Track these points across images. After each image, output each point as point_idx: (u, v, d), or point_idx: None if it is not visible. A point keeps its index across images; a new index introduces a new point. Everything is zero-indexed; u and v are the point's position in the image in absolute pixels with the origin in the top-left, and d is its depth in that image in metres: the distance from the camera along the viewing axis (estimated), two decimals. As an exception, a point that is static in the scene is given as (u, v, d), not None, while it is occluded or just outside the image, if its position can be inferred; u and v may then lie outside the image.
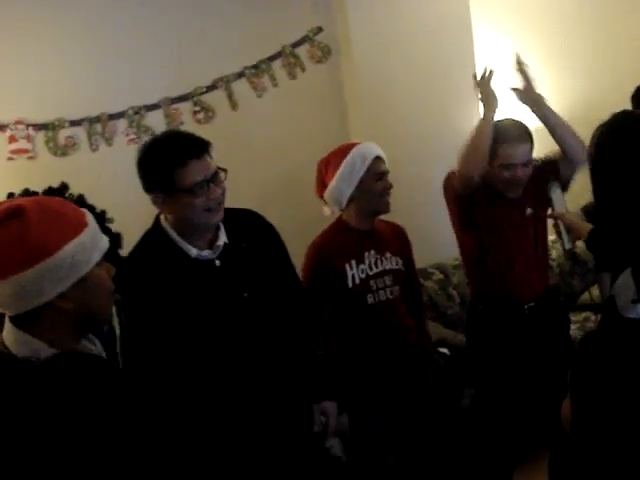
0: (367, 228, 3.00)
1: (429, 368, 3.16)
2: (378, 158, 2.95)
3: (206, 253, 2.33)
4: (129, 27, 4.16)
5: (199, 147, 2.25)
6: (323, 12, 4.46)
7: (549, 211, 2.98)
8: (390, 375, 2.98)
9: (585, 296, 4.24)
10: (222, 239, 2.36)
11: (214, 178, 2.27)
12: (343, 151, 2.98)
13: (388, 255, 3.01)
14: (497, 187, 3.00)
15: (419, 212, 3.42)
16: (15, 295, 1.51)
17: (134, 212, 4.07)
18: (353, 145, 3.03)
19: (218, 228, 2.37)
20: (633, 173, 2.13)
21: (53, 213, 1.54)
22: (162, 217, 2.37)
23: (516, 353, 3.01)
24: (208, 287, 2.32)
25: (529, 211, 3.03)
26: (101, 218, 2.14)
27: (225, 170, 2.32)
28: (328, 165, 3.00)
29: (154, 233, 2.38)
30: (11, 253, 1.49)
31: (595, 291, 3.67)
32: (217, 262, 2.34)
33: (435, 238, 3.82)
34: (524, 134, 2.98)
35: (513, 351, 3.02)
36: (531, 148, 2.97)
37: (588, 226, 2.73)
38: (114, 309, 2.19)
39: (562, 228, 2.85)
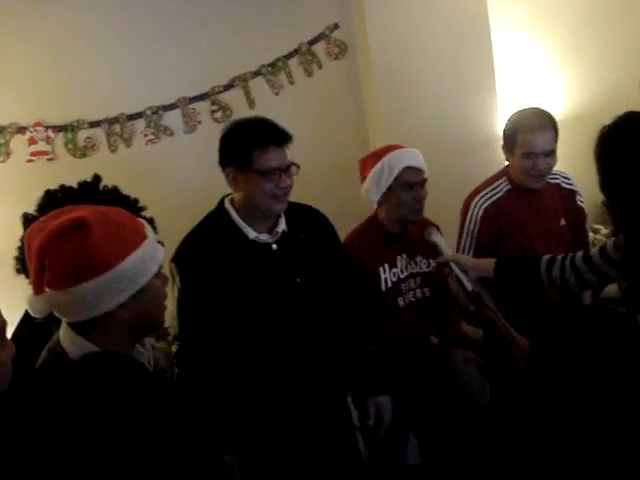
0: (399, 231, 3.01)
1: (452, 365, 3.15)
2: (409, 168, 2.90)
3: (265, 237, 2.45)
4: (146, 28, 4.19)
5: (282, 137, 2.40)
6: (339, 9, 4.45)
7: (433, 261, 2.84)
8: (412, 368, 2.98)
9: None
10: (282, 226, 2.48)
11: (287, 169, 2.41)
12: (378, 155, 2.99)
13: (419, 258, 3.03)
14: (521, 181, 2.97)
15: (439, 208, 3.39)
16: (76, 304, 1.55)
17: (153, 212, 4.12)
18: (389, 151, 2.98)
19: (279, 216, 2.48)
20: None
21: (115, 225, 1.59)
22: (226, 200, 2.49)
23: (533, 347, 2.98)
24: (263, 269, 2.42)
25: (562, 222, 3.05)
26: (134, 206, 2.21)
27: (298, 166, 2.47)
28: (365, 165, 3.04)
29: (216, 214, 2.50)
30: (73, 264, 1.53)
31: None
32: (274, 246, 2.45)
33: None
34: (546, 122, 2.91)
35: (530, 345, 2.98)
36: (554, 137, 2.91)
37: (485, 261, 2.55)
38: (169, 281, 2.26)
39: (458, 271, 2.47)
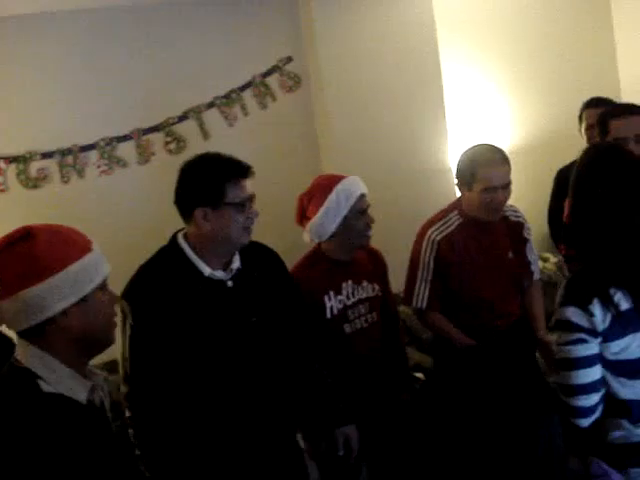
0: (348, 259, 3.02)
1: (405, 390, 3.17)
2: (362, 195, 2.93)
3: (220, 274, 2.41)
4: (100, 59, 4.19)
5: (247, 168, 2.40)
6: (293, 42, 4.52)
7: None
8: (366, 395, 2.99)
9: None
10: (236, 264, 2.45)
11: (252, 199, 2.41)
12: (326, 187, 2.96)
13: (365, 284, 3.03)
14: (477, 214, 3.03)
15: (392, 237, 3.44)
16: (21, 311, 1.61)
17: (106, 242, 4.10)
18: (337, 181, 2.97)
19: (234, 253, 2.46)
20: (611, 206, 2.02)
21: (60, 235, 1.67)
22: (180, 235, 2.45)
23: (483, 374, 3.02)
24: (218, 307, 2.39)
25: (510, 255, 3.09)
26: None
27: (255, 196, 2.44)
28: (311, 199, 3.00)
29: (169, 249, 2.45)
30: (19, 271, 1.61)
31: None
32: (229, 283, 2.42)
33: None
34: (503, 157, 2.98)
35: (480, 372, 3.02)
36: (509, 171, 2.98)
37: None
38: (120, 318, 2.27)
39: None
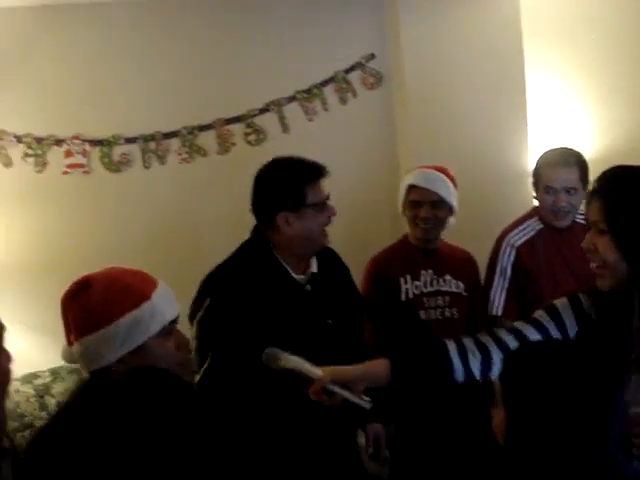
0: (429, 247, 3.07)
1: (486, 402, 3.13)
2: (413, 187, 3.04)
3: (300, 277, 2.45)
4: (187, 47, 4.26)
5: (322, 168, 2.46)
6: (376, 39, 4.50)
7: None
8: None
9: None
10: (314, 267, 2.49)
11: (329, 199, 2.46)
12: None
13: (447, 277, 3.06)
14: (547, 219, 2.98)
15: (467, 239, 3.41)
16: (83, 356, 1.72)
17: (184, 228, 4.18)
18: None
19: (311, 257, 2.49)
20: None
21: (117, 285, 1.73)
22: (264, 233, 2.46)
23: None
24: (298, 309, 2.41)
25: None
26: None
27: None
28: None
29: (256, 246, 2.46)
30: (79, 320, 1.71)
31: None
32: (308, 287, 2.46)
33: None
34: (569, 160, 2.94)
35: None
36: (579, 176, 2.91)
37: (371, 365, 1.99)
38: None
39: (342, 392, 1.91)
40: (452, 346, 1.98)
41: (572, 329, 1.94)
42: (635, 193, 1.77)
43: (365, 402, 1.91)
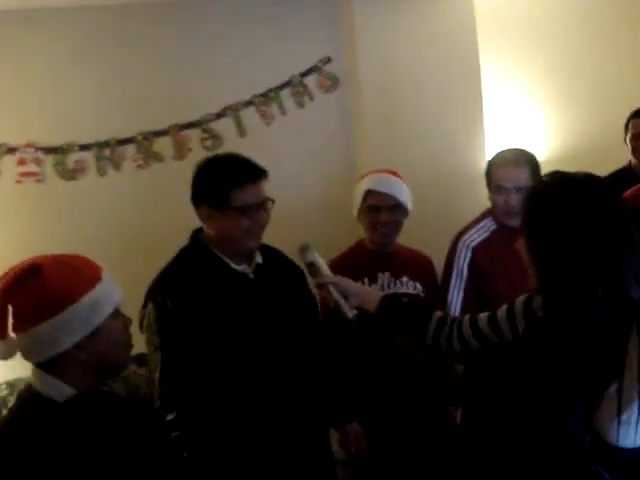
0: (379, 250, 3.08)
1: (451, 402, 3.13)
2: (370, 192, 3.04)
3: (242, 267, 2.44)
4: (140, 54, 4.22)
5: (257, 172, 2.40)
6: (332, 42, 4.50)
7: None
8: (401, 397, 2.98)
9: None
10: (258, 259, 2.48)
11: (263, 204, 2.40)
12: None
13: (405, 279, 3.06)
14: (500, 219, 3.01)
15: (424, 241, 3.43)
16: (35, 345, 1.65)
17: (140, 236, 4.13)
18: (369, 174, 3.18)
19: (254, 251, 2.47)
20: (568, 239, 1.73)
21: (69, 268, 1.69)
22: (200, 235, 2.47)
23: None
24: (242, 298, 2.40)
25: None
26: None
27: (273, 200, 2.44)
28: None
29: (193, 246, 2.48)
30: (30, 308, 1.64)
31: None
32: (251, 275, 2.45)
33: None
34: (520, 159, 2.97)
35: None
36: (530, 175, 2.93)
37: (370, 292, 2.40)
38: (150, 315, 2.31)
39: (337, 295, 2.23)
40: (436, 316, 2.22)
41: (521, 327, 2.00)
42: (542, 204, 1.80)
43: (351, 312, 2.20)
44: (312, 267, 2.31)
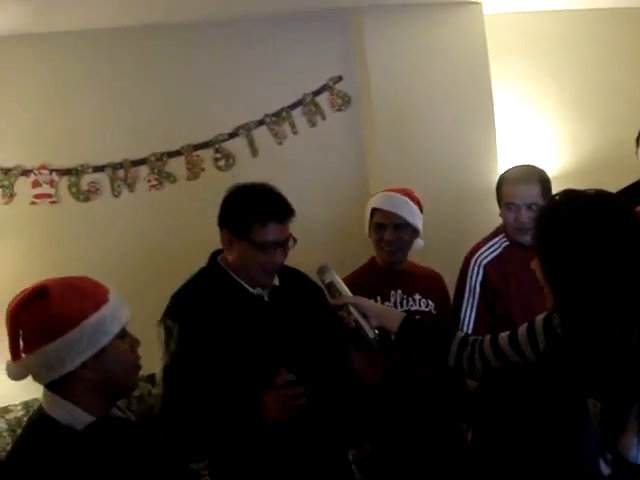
0: (390, 269, 3.09)
1: (462, 419, 3.12)
2: (376, 210, 3.08)
3: (258, 290, 2.42)
4: (154, 75, 4.25)
5: (285, 212, 2.37)
6: (344, 61, 4.52)
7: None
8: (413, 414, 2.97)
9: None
10: (275, 281, 2.46)
11: (284, 243, 2.37)
12: None
13: (417, 297, 3.07)
14: (512, 235, 3.00)
15: (435, 257, 3.42)
16: (42, 366, 1.67)
17: (154, 255, 4.15)
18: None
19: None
20: (582, 258, 1.69)
21: (75, 290, 1.72)
22: (219, 257, 2.46)
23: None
24: (255, 320, 2.38)
25: None
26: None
27: (295, 240, 2.42)
28: None
29: (211, 269, 2.46)
30: (37, 329, 1.67)
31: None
32: (266, 297, 2.43)
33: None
34: (530, 176, 2.97)
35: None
36: (540, 192, 2.93)
37: (391, 313, 2.33)
38: (162, 336, 2.30)
39: (358, 315, 2.21)
40: (458, 336, 2.18)
41: (541, 345, 1.96)
42: (554, 224, 1.77)
43: (372, 332, 2.18)
44: (331, 288, 2.32)
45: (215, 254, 2.50)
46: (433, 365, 2.39)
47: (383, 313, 2.26)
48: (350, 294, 2.29)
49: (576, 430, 1.68)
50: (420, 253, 3.20)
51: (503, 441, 1.50)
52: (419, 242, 3.14)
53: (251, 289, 2.41)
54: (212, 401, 2.28)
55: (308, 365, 2.40)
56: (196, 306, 2.36)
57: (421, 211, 3.12)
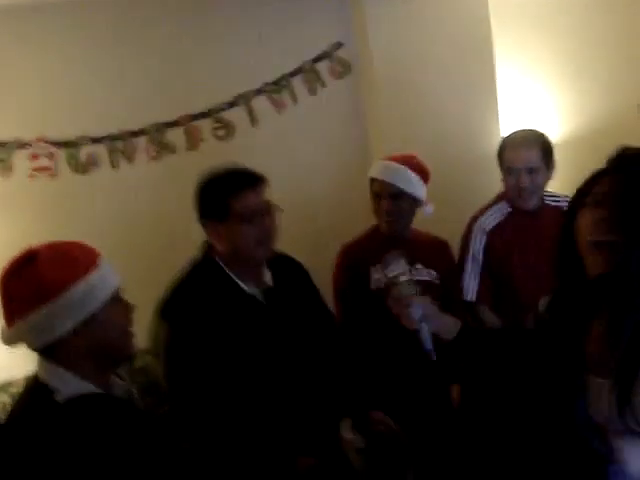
0: (399, 237, 3.05)
1: (454, 381, 3.11)
2: (374, 180, 3.05)
3: (252, 290, 2.39)
4: (149, 45, 4.19)
5: (255, 179, 2.36)
6: (343, 28, 4.46)
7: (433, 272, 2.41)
8: (401, 383, 2.95)
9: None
10: (267, 278, 2.43)
11: (267, 211, 2.36)
12: None
13: (419, 266, 3.03)
14: (513, 200, 2.98)
15: (439, 223, 3.40)
16: (31, 332, 1.67)
17: (152, 229, 4.13)
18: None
19: (262, 267, 2.42)
20: None
21: (64, 255, 1.71)
22: (213, 251, 2.42)
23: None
24: (254, 321, 2.36)
25: None
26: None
27: (278, 207, 2.39)
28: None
29: (205, 264, 2.43)
30: (26, 295, 1.67)
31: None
32: (261, 298, 2.40)
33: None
34: (531, 140, 2.97)
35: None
36: (540, 155, 2.93)
37: (446, 318, 2.03)
38: (163, 336, 2.29)
39: (421, 324, 1.96)
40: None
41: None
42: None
43: (429, 343, 1.92)
44: (396, 280, 2.07)
45: (208, 246, 2.46)
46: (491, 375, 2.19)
47: (440, 320, 2.00)
48: (413, 291, 2.05)
49: (569, 397, 1.66)
50: (430, 218, 3.16)
51: (493, 408, 1.50)
52: (428, 208, 3.09)
53: (246, 288, 2.37)
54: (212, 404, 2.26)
55: (303, 369, 2.40)
56: (192, 307, 2.33)
57: (426, 178, 3.08)
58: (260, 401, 2.32)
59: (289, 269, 2.57)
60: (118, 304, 1.78)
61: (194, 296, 2.36)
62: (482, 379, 1.71)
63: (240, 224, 2.30)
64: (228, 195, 2.31)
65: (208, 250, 2.45)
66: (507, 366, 1.68)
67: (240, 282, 2.37)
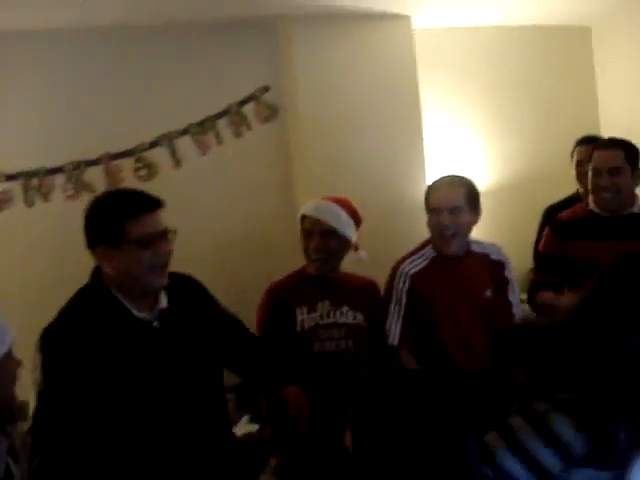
0: (326, 278, 3.01)
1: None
2: (305, 217, 3.02)
3: (145, 314, 2.25)
4: (70, 81, 4.10)
5: (152, 202, 2.23)
6: (270, 71, 4.46)
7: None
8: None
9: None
10: (163, 302, 2.29)
11: (163, 235, 2.23)
12: None
13: (345, 309, 2.99)
14: (436, 245, 2.99)
15: (365, 269, 3.38)
16: None
17: (70, 268, 3.97)
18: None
19: (159, 292, 2.29)
20: None
21: None
22: (102, 276, 2.27)
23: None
24: (145, 348, 2.23)
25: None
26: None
27: (174, 231, 2.27)
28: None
29: (93, 288, 2.28)
30: None
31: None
32: (156, 323, 2.27)
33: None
34: (455, 182, 3.01)
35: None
36: (463, 196, 2.95)
37: None
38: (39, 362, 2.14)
39: None
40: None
41: None
42: None
43: None
44: None
45: (98, 270, 2.31)
46: None
47: None
48: None
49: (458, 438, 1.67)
50: (358, 264, 3.13)
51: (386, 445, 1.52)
52: (363, 254, 3.09)
53: (138, 314, 2.25)
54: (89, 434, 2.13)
55: (196, 397, 2.31)
56: (78, 333, 2.17)
57: (358, 222, 3.06)
58: (137, 434, 2.19)
59: (184, 288, 2.44)
60: (11, 358, 1.80)
61: (75, 325, 2.20)
62: (374, 425, 1.72)
63: (136, 250, 2.17)
64: (124, 218, 2.17)
65: (98, 276, 2.30)
66: (403, 412, 1.67)
67: (132, 308, 2.24)
